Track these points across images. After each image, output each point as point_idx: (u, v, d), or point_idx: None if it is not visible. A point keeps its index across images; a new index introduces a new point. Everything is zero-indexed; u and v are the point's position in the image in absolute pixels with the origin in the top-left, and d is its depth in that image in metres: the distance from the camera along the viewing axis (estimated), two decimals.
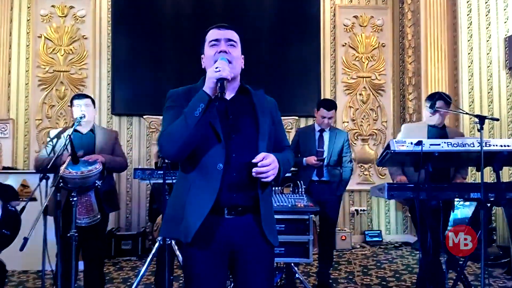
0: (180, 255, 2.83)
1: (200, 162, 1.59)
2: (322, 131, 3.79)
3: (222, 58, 1.60)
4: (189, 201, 1.58)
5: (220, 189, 1.56)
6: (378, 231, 5.90)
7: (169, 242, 2.83)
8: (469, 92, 5.28)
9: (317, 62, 6.01)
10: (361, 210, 5.98)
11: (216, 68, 1.52)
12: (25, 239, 2.13)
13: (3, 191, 2.71)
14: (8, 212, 2.49)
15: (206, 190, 1.56)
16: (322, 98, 5.75)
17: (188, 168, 1.63)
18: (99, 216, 2.89)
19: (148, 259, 2.97)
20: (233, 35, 1.69)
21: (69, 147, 2.67)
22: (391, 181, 3.13)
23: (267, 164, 1.54)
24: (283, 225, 2.79)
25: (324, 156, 3.68)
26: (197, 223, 1.54)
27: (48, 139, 2.97)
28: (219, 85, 1.50)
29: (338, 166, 3.79)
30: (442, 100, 3.10)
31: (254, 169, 1.54)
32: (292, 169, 3.60)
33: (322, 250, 3.82)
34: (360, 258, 4.98)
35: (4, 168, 5.01)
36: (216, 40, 1.66)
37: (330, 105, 3.73)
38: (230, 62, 1.60)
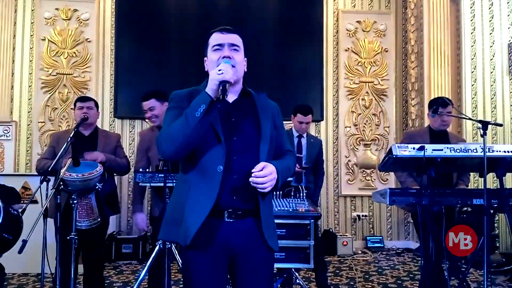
0: (180, 260, 2.81)
1: (200, 163, 1.58)
2: (300, 137, 3.83)
3: (225, 61, 1.60)
4: (189, 203, 1.57)
5: (220, 192, 1.55)
6: (380, 237, 5.87)
7: (169, 246, 2.81)
8: (472, 98, 5.26)
9: (319, 67, 6.00)
10: (362, 215, 5.95)
11: (219, 70, 1.52)
12: (24, 242, 2.12)
13: (6, 194, 2.69)
14: (10, 216, 2.45)
15: (205, 192, 1.55)
16: (321, 103, 5.90)
17: (188, 170, 1.62)
18: (99, 219, 2.88)
19: (148, 263, 2.95)
20: (237, 39, 1.68)
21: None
22: (393, 187, 3.11)
23: (265, 175, 1.53)
24: (284, 230, 2.77)
25: (304, 163, 3.73)
26: (196, 226, 1.53)
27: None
28: (221, 87, 1.50)
29: (312, 173, 3.86)
30: (448, 105, 3.10)
31: (251, 179, 1.53)
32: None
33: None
34: (362, 264, 4.95)
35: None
36: (220, 45, 1.66)
37: (307, 110, 3.77)
38: (233, 66, 1.60)
